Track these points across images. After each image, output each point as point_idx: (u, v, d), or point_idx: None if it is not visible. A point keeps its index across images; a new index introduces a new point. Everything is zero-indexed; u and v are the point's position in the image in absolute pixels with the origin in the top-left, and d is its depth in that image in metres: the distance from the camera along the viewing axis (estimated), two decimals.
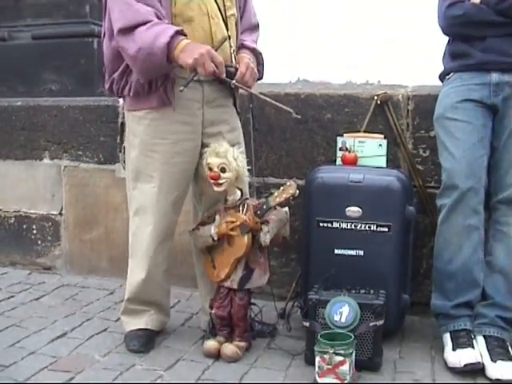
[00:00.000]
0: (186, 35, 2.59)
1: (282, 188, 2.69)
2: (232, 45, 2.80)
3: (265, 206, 2.70)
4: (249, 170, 2.82)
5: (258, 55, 2.89)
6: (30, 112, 4.22)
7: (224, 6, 2.79)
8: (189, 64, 2.53)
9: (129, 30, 2.56)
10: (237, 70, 2.72)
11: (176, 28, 2.56)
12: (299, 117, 2.81)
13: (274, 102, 2.81)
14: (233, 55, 2.80)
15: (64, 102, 4.15)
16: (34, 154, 4.21)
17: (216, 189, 2.74)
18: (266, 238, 2.70)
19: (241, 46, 2.87)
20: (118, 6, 2.62)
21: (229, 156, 2.68)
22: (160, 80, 2.68)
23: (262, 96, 2.84)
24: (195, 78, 2.62)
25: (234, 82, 2.68)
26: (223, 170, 2.70)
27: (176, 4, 2.68)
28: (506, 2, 2.83)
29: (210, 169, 2.71)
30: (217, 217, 2.82)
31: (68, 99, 4.20)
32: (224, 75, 2.63)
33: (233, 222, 2.72)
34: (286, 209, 2.80)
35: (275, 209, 2.75)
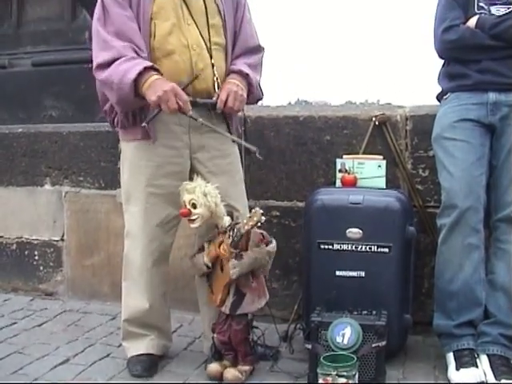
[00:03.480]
0: (157, 70, 2.63)
1: (248, 215, 2.68)
2: (216, 73, 2.81)
3: (238, 233, 2.70)
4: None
5: (245, 77, 2.86)
6: (30, 138, 4.24)
7: (208, 34, 2.80)
8: (152, 101, 2.58)
9: (104, 67, 2.64)
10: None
11: (146, 64, 2.60)
12: (261, 158, 2.81)
13: (238, 140, 2.86)
14: (216, 83, 2.81)
15: (64, 128, 4.18)
16: (35, 181, 4.23)
17: (190, 225, 2.75)
18: (233, 272, 2.68)
19: (229, 72, 2.87)
20: (97, 42, 2.71)
21: (197, 191, 2.68)
22: (143, 114, 2.73)
23: (228, 135, 2.85)
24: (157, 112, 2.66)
25: (200, 120, 2.69)
26: (194, 206, 2.70)
27: (155, 37, 2.72)
28: (499, 26, 2.88)
29: (185, 206, 2.73)
30: (205, 245, 2.82)
31: (68, 125, 4.22)
32: (190, 112, 2.65)
33: (221, 244, 2.74)
34: (272, 248, 2.78)
35: (262, 237, 2.74)
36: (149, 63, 2.62)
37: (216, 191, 2.70)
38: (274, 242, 2.80)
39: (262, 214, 2.63)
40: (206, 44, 2.78)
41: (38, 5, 4.97)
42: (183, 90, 2.63)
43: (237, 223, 2.77)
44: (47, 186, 4.19)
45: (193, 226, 2.74)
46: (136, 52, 2.65)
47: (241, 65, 2.88)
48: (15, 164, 4.29)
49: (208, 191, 2.68)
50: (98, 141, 4.01)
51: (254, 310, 2.83)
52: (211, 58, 2.79)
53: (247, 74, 2.85)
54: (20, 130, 4.32)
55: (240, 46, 2.93)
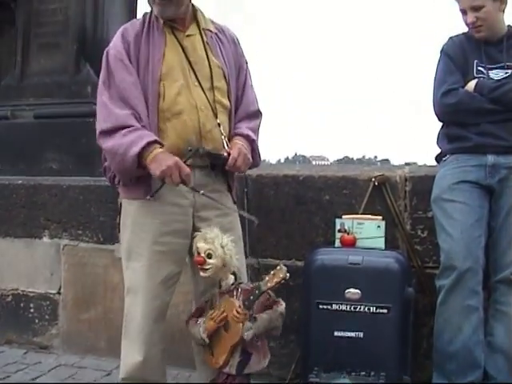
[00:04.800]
0: (160, 143, 2.66)
1: (272, 272, 2.66)
2: (223, 132, 2.84)
3: (257, 291, 2.68)
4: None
5: (251, 142, 2.90)
6: (30, 190, 4.25)
7: (213, 96, 2.82)
8: (156, 175, 2.62)
9: (108, 134, 2.67)
10: (229, 155, 2.76)
11: (148, 139, 2.62)
12: (256, 222, 2.81)
13: (239, 211, 2.88)
14: (224, 141, 2.83)
15: (64, 181, 4.20)
16: (33, 233, 4.23)
17: (202, 274, 2.72)
18: (247, 334, 2.65)
19: (234, 134, 2.89)
20: (101, 108, 2.74)
21: (216, 243, 2.67)
22: (145, 173, 2.73)
23: (226, 206, 2.86)
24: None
25: (202, 191, 2.72)
26: (209, 256, 2.69)
27: (165, 99, 2.74)
28: (498, 90, 2.93)
29: (198, 253, 2.72)
30: (200, 319, 2.79)
31: (68, 178, 4.25)
32: (192, 184, 2.68)
33: (221, 314, 2.70)
34: (282, 309, 2.75)
35: (268, 297, 2.72)
36: (152, 137, 2.65)
37: (232, 245, 2.71)
38: (283, 302, 2.77)
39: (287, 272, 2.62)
40: (211, 105, 2.81)
41: (42, 57, 5.05)
42: (185, 162, 2.66)
43: (240, 283, 2.76)
44: (45, 239, 4.19)
45: (204, 274, 2.72)
46: (137, 120, 2.68)
47: (246, 129, 2.91)
48: (14, 215, 4.28)
49: (225, 243, 2.68)
50: (98, 195, 4.02)
51: (260, 369, 2.79)
52: (216, 117, 2.82)
53: (253, 140, 2.90)
54: (20, 181, 4.34)
55: (243, 110, 2.97)
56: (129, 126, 2.64)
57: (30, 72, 5.06)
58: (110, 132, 2.67)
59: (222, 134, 2.82)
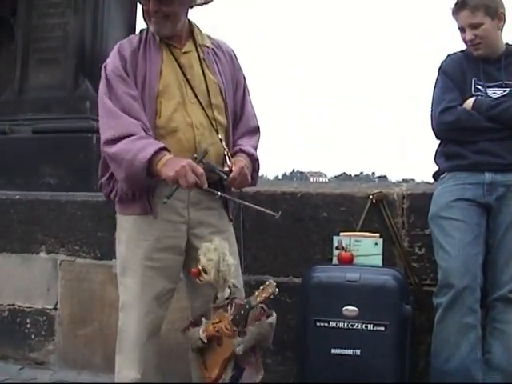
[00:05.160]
0: (169, 151, 2.65)
1: (261, 287, 2.67)
2: (225, 148, 2.83)
3: (247, 306, 2.68)
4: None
5: (254, 162, 2.90)
6: (28, 205, 4.24)
7: (212, 113, 2.82)
8: (170, 177, 2.58)
9: (114, 142, 2.64)
10: (230, 171, 2.75)
11: (158, 146, 2.61)
12: (276, 215, 2.77)
13: (256, 207, 2.84)
14: (227, 157, 2.83)
15: (62, 196, 4.19)
16: (30, 248, 4.21)
17: (198, 281, 2.73)
18: (238, 348, 2.65)
19: (239, 151, 2.89)
20: (105, 117, 2.72)
21: (211, 266, 2.65)
22: (144, 189, 2.74)
23: (243, 202, 2.88)
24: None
25: (219, 193, 2.72)
26: (205, 272, 2.69)
27: (161, 116, 2.74)
28: (496, 108, 2.94)
29: (197, 264, 2.71)
30: (203, 319, 2.80)
31: (66, 194, 4.25)
32: (206, 186, 2.64)
33: (218, 323, 2.70)
34: (273, 319, 2.75)
35: (262, 311, 2.72)
36: (162, 144, 2.64)
37: (231, 267, 2.70)
38: (274, 314, 2.77)
39: (276, 286, 2.62)
40: (211, 122, 2.81)
41: (41, 72, 5.06)
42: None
43: (234, 297, 2.75)
44: (42, 254, 4.18)
45: (199, 282, 2.72)
46: (145, 131, 2.67)
47: (249, 147, 2.91)
48: (11, 230, 4.27)
49: (222, 269, 2.67)
50: (95, 210, 4.01)
51: None
52: (217, 134, 2.82)
53: (256, 160, 2.91)
54: (18, 196, 4.33)
55: (243, 126, 2.97)
56: (137, 134, 2.63)
57: (28, 87, 5.07)
58: (116, 140, 2.64)
59: (225, 149, 2.81)
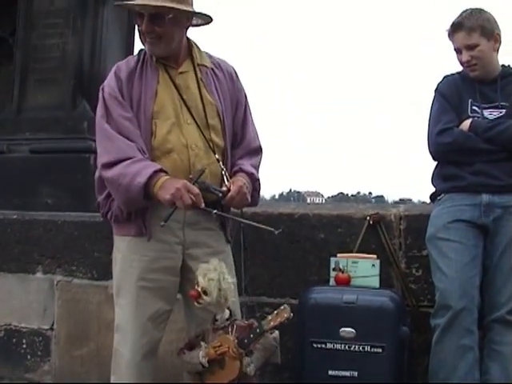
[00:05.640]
0: (166, 172, 2.65)
1: (275, 312, 2.64)
2: (223, 167, 2.82)
3: (258, 330, 2.66)
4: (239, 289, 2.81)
5: (254, 181, 2.89)
6: (25, 225, 4.24)
7: (210, 134, 2.81)
8: (167, 200, 2.59)
9: (110, 166, 2.66)
10: (228, 191, 2.74)
11: (154, 168, 2.62)
12: (276, 232, 2.75)
13: (254, 224, 2.82)
14: (224, 176, 2.81)
15: (59, 216, 4.19)
16: (27, 268, 4.20)
17: (195, 304, 2.72)
18: (249, 369, 2.62)
19: (238, 170, 2.88)
20: (102, 141, 2.74)
21: (213, 285, 2.63)
22: (139, 210, 2.74)
23: (241, 219, 2.87)
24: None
25: (214, 211, 2.71)
26: (205, 293, 2.68)
27: (156, 137, 2.74)
28: (492, 130, 2.95)
29: (196, 285, 2.70)
30: (202, 343, 2.77)
31: (63, 214, 4.24)
32: (203, 205, 2.64)
33: (219, 347, 2.68)
34: (276, 334, 2.73)
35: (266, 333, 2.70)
36: (157, 166, 2.65)
37: (232, 285, 2.68)
38: (276, 331, 2.74)
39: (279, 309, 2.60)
40: (208, 143, 2.81)
41: (39, 92, 5.08)
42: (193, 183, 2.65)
43: (235, 319, 2.74)
44: (39, 274, 4.17)
45: (197, 306, 2.71)
46: (141, 153, 2.68)
47: (250, 167, 2.90)
48: (8, 250, 4.26)
49: (223, 287, 2.66)
50: (93, 231, 4.01)
51: None
52: (215, 154, 2.82)
53: (257, 180, 2.90)
54: (15, 216, 4.33)
55: (244, 147, 2.96)
56: (133, 157, 2.64)
57: (26, 107, 5.09)
58: (113, 163, 2.66)
59: (223, 169, 2.81)
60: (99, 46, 5.10)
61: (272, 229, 2.74)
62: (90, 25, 5.07)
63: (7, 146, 4.95)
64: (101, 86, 2.83)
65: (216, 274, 2.65)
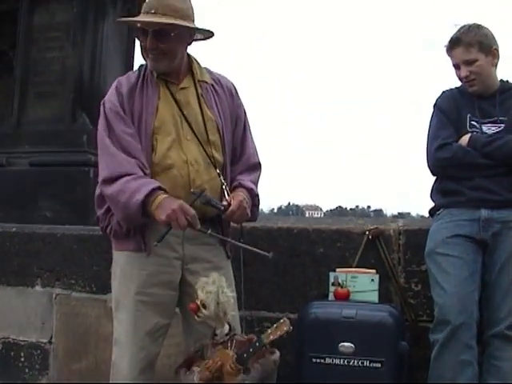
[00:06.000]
0: (163, 189, 2.66)
1: (275, 325, 2.64)
2: (224, 182, 2.83)
3: (257, 344, 2.65)
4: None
5: (254, 196, 2.89)
6: (24, 238, 4.23)
7: (211, 150, 2.82)
8: (162, 220, 2.60)
9: (110, 182, 2.67)
10: (229, 205, 2.74)
11: (153, 185, 2.63)
12: (270, 256, 2.74)
13: (248, 248, 2.81)
14: (225, 191, 2.82)
15: (58, 230, 4.19)
16: (26, 281, 4.19)
17: (196, 318, 2.71)
18: None
19: (238, 185, 2.88)
20: (103, 156, 2.74)
21: (210, 298, 2.62)
22: (138, 226, 2.75)
23: (236, 242, 2.85)
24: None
25: (209, 231, 2.71)
26: (204, 307, 2.68)
27: (156, 153, 2.75)
28: (491, 145, 2.96)
29: (196, 299, 2.69)
30: (195, 369, 2.74)
31: (63, 227, 4.24)
32: (199, 226, 2.65)
33: (214, 363, 2.66)
34: (276, 357, 2.71)
35: (266, 348, 2.68)
36: (156, 184, 2.65)
37: (231, 299, 2.67)
38: (277, 351, 2.73)
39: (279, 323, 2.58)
40: (209, 159, 2.82)
41: (39, 106, 5.10)
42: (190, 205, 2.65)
43: (234, 334, 2.73)
44: (38, 287, 4.16)
45: (196, 319, 2.70)
46: (142, 169, 2.69)
47: (249, 182, 2.90)
48: (7, 263, 4.26)
49: (222, 300, 2.65)
50: (92, 244, 4.00)
51: None
52: (215, 169, 2.83)
53: (256, 195, 2.91)
54: (14, 229, 4.33)
55: (243, 163, 2.97)
56: (132, 174, 2.65)
57: (26, 120, 5.12)
58: (112, 179, 2.67)
59: (223, 184, 2.81)
60: (99, 60, 5.13)
61: (266, 253, 2.73)
62: (90, 39, 5.10)
63: (7, 159, 4.97)
64: (102, 101, 2.84)
65: (215, 287, 2.65)
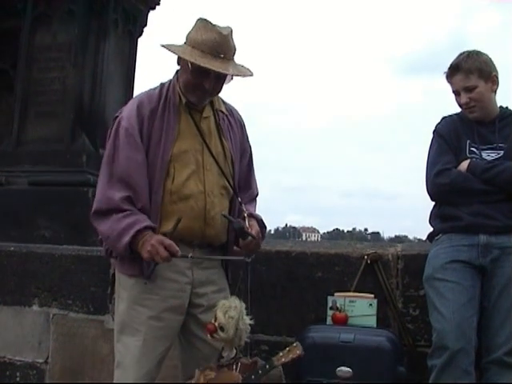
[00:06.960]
0: (151, 228, 2.65)
1: (287, 348, 2.62)
2: (244, 209, 2.82)
3: (267, 366, 2.63)
4: None
5: (262, 228, 2.88)
6: (22, 258, 4.23)
7: (225, 180, 2.82)
8: (145, 258, 2.62)
9: (102, 214, 2.69)
10: (249, 234, 2.72)
11: (139, 227, 2.62)
12: (248, 259, 2.73)
13: (223, 258, 2.88)
14: (246, 220, 2.78)
15: (56, 249, 4.19)
16: (23, 301, 4.19)
17: (209, 337, 2.69)
18: None
19: (250, 215, 2.86)
20: (100, 182, 2.75)
21: (231, 323, 2.62)
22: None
23: (212, 257, 2.86)
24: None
25: (190, 255, 2.70)
26: (222, 330, 2.67)
27: (174, 182, 2.72)
28: (490, 171, 2.97)
29: (214, 320, 2.68)
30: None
31: (61, 247, 4.25)
32: (179, 253, 2.64)
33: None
34: (280, 370, 2.71)
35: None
36: (142, 224, 2.64)
37: (248, 328, 2.66)
38: (280, 366, 2.72)
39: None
40: (225, 189, 2.84)
41: (39, 125, 5.13)
42: (170, 236, 2.64)
43: (240, 357, 2.72)
44: (35, 307, 4.15)
45: (209, 338, 2.69)
46: (133, 203, 2.68)
47: (258, 214, 2.93)
48: (4, 282, 4.25)
49: (240, 327, 2.64)
50: (90, 265, 4.00)
51: None
52: (230, 200, 2.87)
53: (265, 227, 2.92)
54: (12, 248, 4.33)
55: (249, 194, 3.00)
56: (123, 210, 2.65)
57: (26, 139, 5.13)
58: (103, 213, 2.68)
59: (244, 213, 2.80)
60: (100, 81, 5.15)
61: (242, 257, 2.74)
62: (90, 59, 5.13)
63: (6, 178, 4.98)
64: (118, 115, 2.80)
65: (236, 312, 2.65)
